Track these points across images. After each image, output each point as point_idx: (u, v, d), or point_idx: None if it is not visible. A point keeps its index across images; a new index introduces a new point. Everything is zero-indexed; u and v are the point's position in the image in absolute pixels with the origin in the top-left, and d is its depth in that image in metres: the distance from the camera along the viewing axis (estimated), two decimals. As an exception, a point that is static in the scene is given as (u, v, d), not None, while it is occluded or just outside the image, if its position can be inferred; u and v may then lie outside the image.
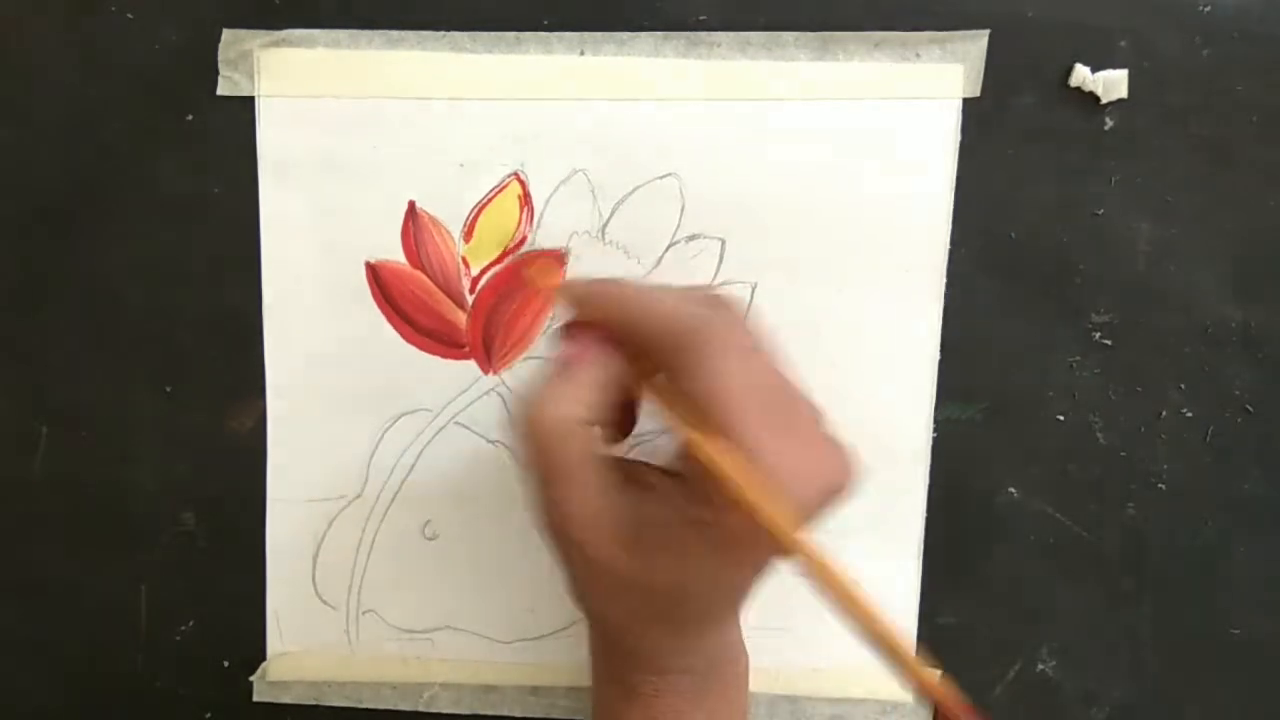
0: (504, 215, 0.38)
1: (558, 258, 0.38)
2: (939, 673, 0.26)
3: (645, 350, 0.30)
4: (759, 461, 0.27)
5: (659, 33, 0.37)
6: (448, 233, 0.38)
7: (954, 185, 0.38)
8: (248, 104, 0.38)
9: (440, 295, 0.39)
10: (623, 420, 0.34)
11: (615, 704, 0.32)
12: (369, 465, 0.39)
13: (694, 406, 0.28)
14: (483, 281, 0.39)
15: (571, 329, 0.31)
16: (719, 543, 0.29)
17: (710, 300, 0.31)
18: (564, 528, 0.30)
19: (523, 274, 0.38)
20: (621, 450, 0.35)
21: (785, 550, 0.27)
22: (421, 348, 0.39)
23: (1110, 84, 0.37)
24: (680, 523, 0.29)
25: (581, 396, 0.30)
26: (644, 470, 0.32)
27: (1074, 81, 0.37)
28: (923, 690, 0.27)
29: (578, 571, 0.31)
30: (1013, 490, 0.39)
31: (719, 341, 0.29)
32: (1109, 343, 0.38)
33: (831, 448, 0.30)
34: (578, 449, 0.30)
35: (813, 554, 0.27)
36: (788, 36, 0.37)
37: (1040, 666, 0.40)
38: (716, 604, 0.31)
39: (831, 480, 0.29)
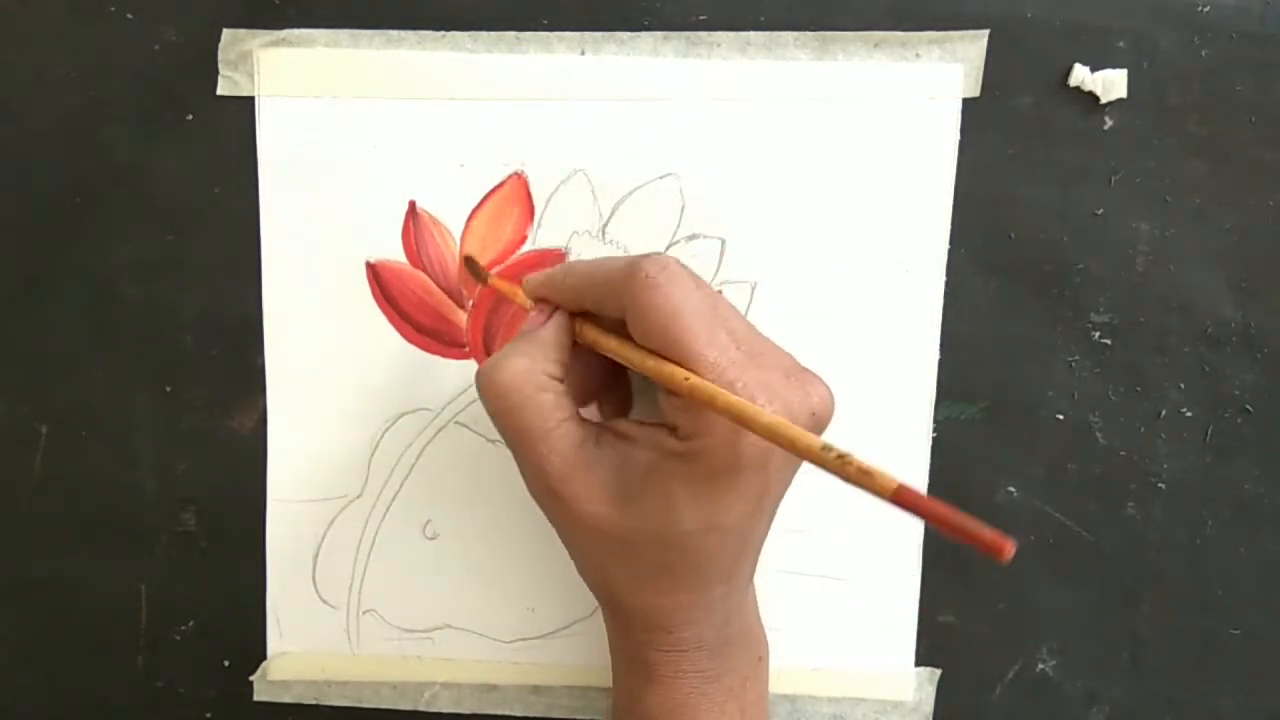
0: (504, 215, 0.38)
1: (558, 258, 0.38)
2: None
3: (606, 304, 0.30)
4: (733, 380, 0.27)
5: (659, 33, 0.37)
6: (448, 232, 0.38)
7: (954, 185, 0.38)
8: (248, 104, 0.38)
9: (440, 295, 0.39)
10: (617, 400, 0.34)
11: (635, 690, 0.32)
12: (369, 465, 0.39)
13: (662, 341, 0.28)
14: (483, 281, 0.39)
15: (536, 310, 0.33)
16: (704, 474, 0.28)
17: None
18: (548, 486, 0.30)
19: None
20: None
21: (783, 443, 0.26)
22: (422, 347, 0.39)
23: (1109, 84, 0.37)
24: (663, 460, 0.29)
25: (541, 352, 0.30)
26: (622, 424, 0.32)
27: (1073, 81, 0.37)
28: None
29: (570, 535, 0.31)
30: (1012, 490, 0.39)
31: (674, 275, 0.29)
32: (1109, 343, 0.38)
33: (808, 376, 0.30)
34: (546, 403, 0.30)
35: (813, 442, 0.26)
36: (788, 36, 0.37)
37: (1040, 666, 0.40)
38: (714, 550, 0.30)
39: (810, 405, 0.29)
